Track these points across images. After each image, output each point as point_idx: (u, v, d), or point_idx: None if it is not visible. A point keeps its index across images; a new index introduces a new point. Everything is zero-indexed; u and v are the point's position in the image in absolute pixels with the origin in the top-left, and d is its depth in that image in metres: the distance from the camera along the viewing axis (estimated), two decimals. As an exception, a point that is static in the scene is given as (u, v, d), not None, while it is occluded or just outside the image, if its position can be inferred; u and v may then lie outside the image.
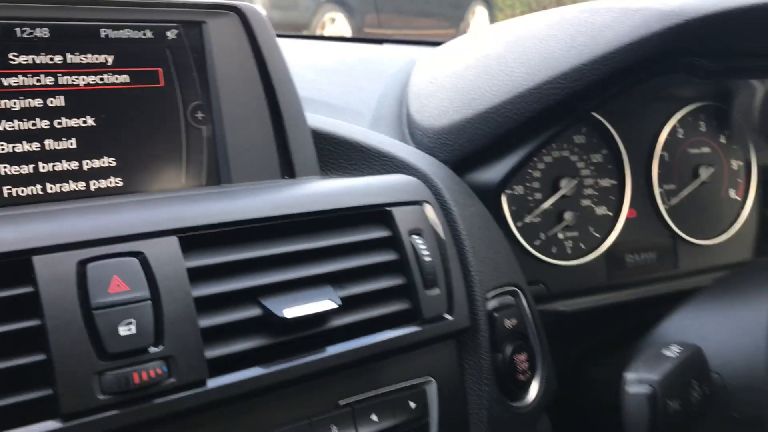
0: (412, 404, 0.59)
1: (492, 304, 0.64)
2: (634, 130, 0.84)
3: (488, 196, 0.71)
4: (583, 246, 0.82)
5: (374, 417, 0.56)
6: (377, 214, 0.61)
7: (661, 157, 0.86)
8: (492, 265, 0.66)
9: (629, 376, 0.50)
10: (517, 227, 0.78)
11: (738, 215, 0.91)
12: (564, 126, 0.68)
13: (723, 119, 0.90)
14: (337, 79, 0.87)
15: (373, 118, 0.79)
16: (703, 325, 0.62)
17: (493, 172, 0.71)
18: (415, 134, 0.76)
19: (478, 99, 0.70)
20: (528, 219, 0.79)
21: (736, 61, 0.68)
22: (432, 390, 0.60)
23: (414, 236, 0.61)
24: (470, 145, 0.71)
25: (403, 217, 0.61)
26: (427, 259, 0.60)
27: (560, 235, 0.81)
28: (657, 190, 0.85)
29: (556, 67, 0.64)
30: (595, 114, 0.81)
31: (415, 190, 0.64)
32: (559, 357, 0.71)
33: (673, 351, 0.51)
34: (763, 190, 0.93)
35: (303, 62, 0.90)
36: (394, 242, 0.60)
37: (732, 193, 0.91)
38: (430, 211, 0.63)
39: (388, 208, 0.60)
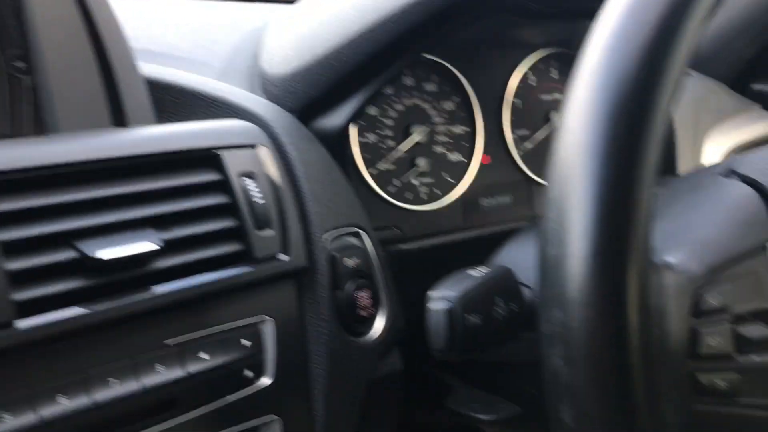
0: (246, 342, 0.60)
1: (332, 245, 0.66)
2: (484, 77, 0.86)
3: (333, 141, 0.73)
4: (437, 191, 0.84)
5: (204, 355, 0.57)
6: (207, 157, 0.61)
7: (513, 103, 0.89)
8: (332, 207, 0.67)
9: (432, 294, 0.53)
10: (370, 174, 0.79)
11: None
12: (399, 68, 0.69)
13: (574, 65, 0.93)
14: (190, 34, 0.86)
15: (223, 70, 0.79)
16: (530, 253, 0.65)
17: (336, 118, 0.72)
18: (265, 84, 0.77)
19: (317, 45, 0.71)
20: (381, 166, 0.81)
21: (561, 3, 0.71)
22: (268, 328, 0.62)
23: (245, 179, 0.62)
24: (313, 92, 0.72)
25: (234, 160, 0.62)
26: (259, 201, 0.61)
27: (414, 181, 0.83)
28: (509, 136, 0.88)
29: (383, 9, 0.65)
30: (444, 62, 0.83)
31: (249, 134, 0.65)
32: (411, 293, 0.73)
33: (477, 271, 0.54)
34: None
35: (156, 18, 0.89)
36: (224, 185, 0.61)
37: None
38: (264, 154, 0.64)
39: (217, 152, 0.61)
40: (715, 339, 0.43)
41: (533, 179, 0.90)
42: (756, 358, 0.43)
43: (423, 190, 0.84)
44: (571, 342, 0.39)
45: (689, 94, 0.99)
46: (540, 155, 0.91)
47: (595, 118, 0.41)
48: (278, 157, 0.65)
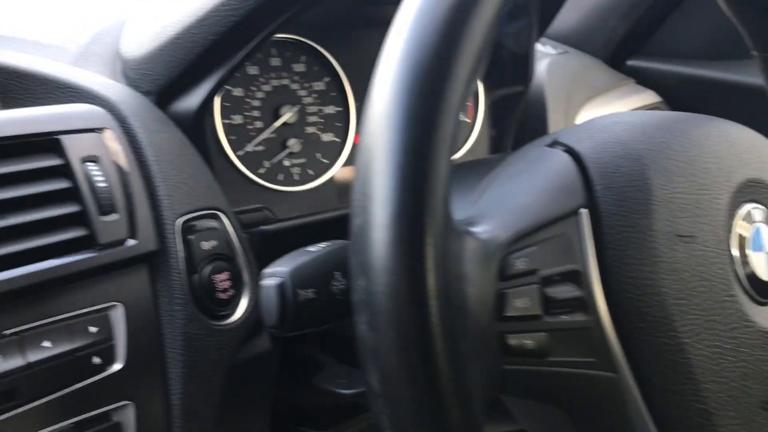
0: (93, 329, 0.59)
1: (186, 228, 0.65)
2: (355, 57, 0.87)
3: (192, 123, 0.72)
4: (311, 172, 0.84)
5: (47, 343, 0.56)
6: (46, 142, 0.60)
7: (386, 82, 0.89)
8: (186, 189, 0.66)
9: (264, 271, 0.53)
10: (238, 156, 0.79)
11: (469, 136, 0.97)
12: (253, 47, 0.69)
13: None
14: (48, 19, 0.84)
15: (80, 55, 0.77)
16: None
17: (191, 99, 0.71)
18: (124, 69, 0.76)
19: (169, 25, 0.70)
20: (250, 148, 0.80)
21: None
22: (117, 314, 0.61)
23: (89, 163, 0.61)
24: (168, 74, 0.71)
25: (75, 144, 0.60)
26: (102, 185, 0.60)
27: (286, 163, 0.83)
28: (383, 115, 0.89)
29: (229, -12, 0.65)
30: (310, 42, 0.83)
31: (94, 118, 0.63)
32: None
33: (315, 247, 0.54)
34: (491, 112, 0.99)
35: (12, 3, 0.86)
36: (65, 170, 0.60)
37: (462, 116, 0.97)
38: (109, 137, 0.63)
39: (58, 137, 0.60)
40: (523, 301, 0.44)
41: (409, 157, 0.91)
42: (565, 318, 0.45)
43: (295, 171, 0.84)
44: (374, 308, 0.40)
45: (563, 70, 1.02)
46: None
47: (396, 88, 0.41)
48: (126, 140, 0.64)
